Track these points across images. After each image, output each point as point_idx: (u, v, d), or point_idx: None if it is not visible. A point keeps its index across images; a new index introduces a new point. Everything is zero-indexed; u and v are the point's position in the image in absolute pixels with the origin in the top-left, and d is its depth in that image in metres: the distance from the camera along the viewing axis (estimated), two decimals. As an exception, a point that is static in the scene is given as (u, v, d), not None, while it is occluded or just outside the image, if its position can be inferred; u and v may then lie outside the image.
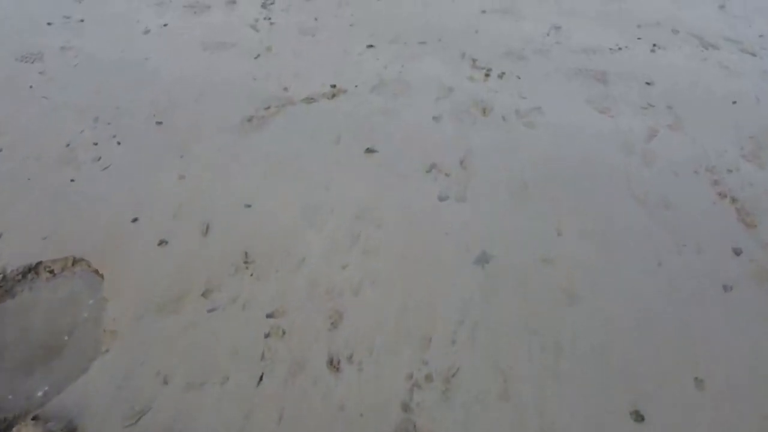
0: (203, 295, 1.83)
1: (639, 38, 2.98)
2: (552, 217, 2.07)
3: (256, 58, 2.86)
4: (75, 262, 1.97)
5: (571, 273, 1.89)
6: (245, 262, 1.93)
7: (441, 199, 2.14)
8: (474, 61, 2.82)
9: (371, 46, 2.94)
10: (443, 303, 1.80)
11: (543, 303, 1.81)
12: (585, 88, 2.66)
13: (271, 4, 3.27)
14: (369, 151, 2.33)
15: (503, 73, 2.74)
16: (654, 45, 2.92)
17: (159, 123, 2.47)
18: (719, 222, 2.07)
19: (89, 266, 1.96)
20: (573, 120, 2.47)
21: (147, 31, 3.04)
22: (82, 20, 3.13)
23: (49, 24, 3.08)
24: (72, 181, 2.21)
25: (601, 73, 2.74)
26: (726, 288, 1.86)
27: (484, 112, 2.53)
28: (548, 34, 3.01)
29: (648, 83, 2.68)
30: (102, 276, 1.92)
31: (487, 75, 2.73)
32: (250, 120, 2.48)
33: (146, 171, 2.25)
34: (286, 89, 2.66)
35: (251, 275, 1.90)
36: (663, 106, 2.55)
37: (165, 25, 3.09)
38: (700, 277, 1.88)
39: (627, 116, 2.50)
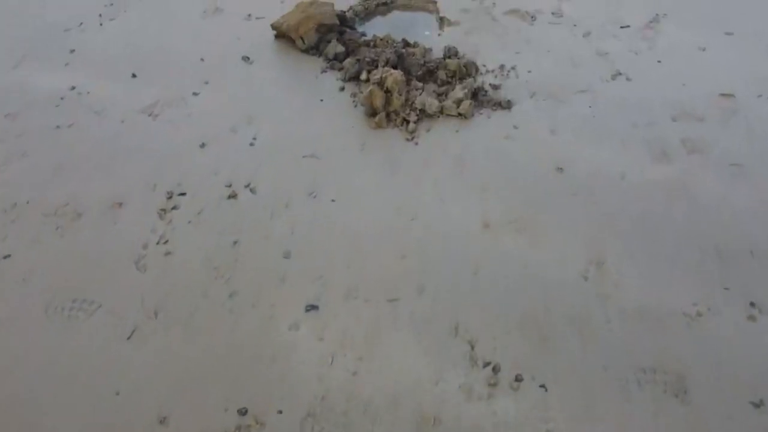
0: None
1: (726, 288, 1.94)
2: None
3: (128, 338, 1.82)
4: None
5: None
6: None
7: None
8: (472, 346, 1.78)
9: (313, 307, 1.90)
10: None
11: None
12: (654, 412, 1.62)
13: (174, 208, 2.23)
14: None
15: (519, 378, 1.70)
16: (752, 304, 1.89)
17: None
18: None
19: None
20: None
21: (-25, 274, 2.01)
22: None
23: None
24: None
25: (679, 377, 1.70)
26: None
27: (489, 482, 1.49)
28: (586, 277, 1.97)
29: (755, 404, 1.64)
30: None
31: (493, 383, 1.69)
32: None
33: None
34: (163, 421, 1.62)
35: None
36: (789, 465, 1.52)
37: (7, 256, 2.06)
38: None
39: (732, 494, 1.47)
